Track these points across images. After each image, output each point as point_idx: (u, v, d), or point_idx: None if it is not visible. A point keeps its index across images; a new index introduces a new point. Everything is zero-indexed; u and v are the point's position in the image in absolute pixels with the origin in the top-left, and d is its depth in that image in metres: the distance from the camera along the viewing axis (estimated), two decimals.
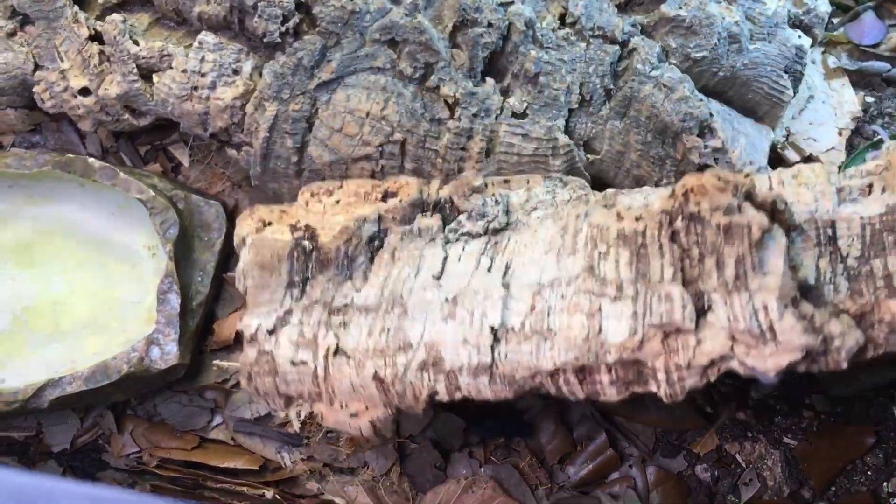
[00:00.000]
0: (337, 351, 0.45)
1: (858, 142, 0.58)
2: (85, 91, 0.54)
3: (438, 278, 0.44)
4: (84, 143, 0.62)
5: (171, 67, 0.52)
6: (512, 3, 0.50)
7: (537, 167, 0.51)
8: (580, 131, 0.52)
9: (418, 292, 0.44)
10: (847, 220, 0.41)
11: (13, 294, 0.58)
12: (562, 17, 0.51)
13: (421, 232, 0.45)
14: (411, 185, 0.47)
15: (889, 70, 0.59)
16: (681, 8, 0.50)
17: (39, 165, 0.57)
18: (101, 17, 0.54)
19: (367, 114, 0.50)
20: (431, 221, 0.46)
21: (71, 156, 0.57)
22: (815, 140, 0.59)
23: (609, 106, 0.51)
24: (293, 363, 0.45)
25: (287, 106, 0.50)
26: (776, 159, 0.58)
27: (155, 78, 0.53)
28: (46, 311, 0.58)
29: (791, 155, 0.59)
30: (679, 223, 0.39)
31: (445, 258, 0.45)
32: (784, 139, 0.59)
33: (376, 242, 0.46)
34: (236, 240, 0.48)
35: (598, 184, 0.55)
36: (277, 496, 0.57)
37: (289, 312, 0.46)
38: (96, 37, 0.53)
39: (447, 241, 0.45)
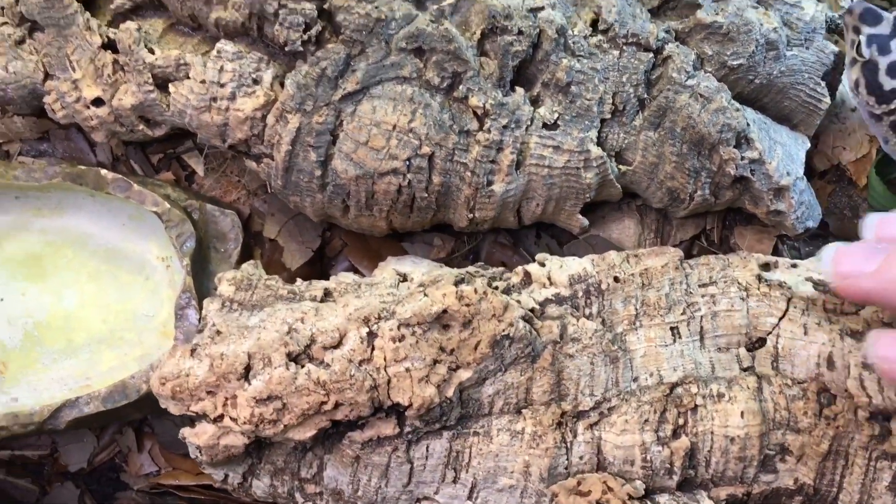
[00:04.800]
0: None
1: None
2: (98, 101, 0.52)
3: (407, 485, 0.45)
4: (94, 151, 0.60)
5: (189, 77, 0.50)
6: (543, 9, 0.48)
7: (569, 179, 0.50)
8: (612, 142, 0.50)
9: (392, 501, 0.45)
10: None
11: (24, 309, 0.56)
12: (594, 24, 0.49)
13: (381, 441, 0.44)
14: (363, 405, 0.43)
15: None
16: (717, 14, 0.48)
17: (49, 177, 0.55)
18: (112, 24, 0.52)
19: (394, 126, 0.48)
20: (389, 428, 0.44)
21: (82, 167, 0.55)
22: (844, 149, 0.58)
23: (643, 116, 0.50)
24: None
25: (310, 118, 0.48)
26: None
27: (171, 88, 0.51)
28: (59, 326, 0.56)
29: (821, 163, 0.58)
30: None
31: (411, 468, 0.45)
32: (813, 147, 0.57)
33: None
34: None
35: (630, 194, 0.54)
36: None
37: (255, 468, 0.46)
38: (109, 45, 0.51)
39: (408, 446, 0.45)
